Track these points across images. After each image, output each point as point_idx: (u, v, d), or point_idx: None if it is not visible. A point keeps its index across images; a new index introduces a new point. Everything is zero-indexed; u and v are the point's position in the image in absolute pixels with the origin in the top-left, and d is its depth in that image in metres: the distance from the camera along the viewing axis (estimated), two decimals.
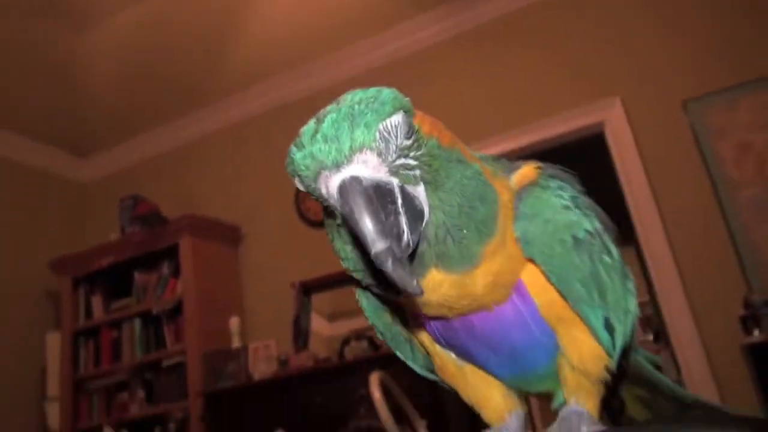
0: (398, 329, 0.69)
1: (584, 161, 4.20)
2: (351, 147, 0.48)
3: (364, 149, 0.49)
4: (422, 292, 0.48)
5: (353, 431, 3.05)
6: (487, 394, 0.66)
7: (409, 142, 0.51)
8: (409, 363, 0.72)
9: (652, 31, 3.47)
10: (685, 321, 3.10)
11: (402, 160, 0.50)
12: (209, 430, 3.56)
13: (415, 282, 0.46)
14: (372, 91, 0.53)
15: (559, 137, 3.66)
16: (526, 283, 0.58)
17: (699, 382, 3.02)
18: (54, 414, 4.13)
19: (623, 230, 3.39)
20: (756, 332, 2.76)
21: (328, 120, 0.50)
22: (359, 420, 3.05)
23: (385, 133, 0.50)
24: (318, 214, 3.94)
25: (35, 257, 4.38)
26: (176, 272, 4.02)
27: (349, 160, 0.48)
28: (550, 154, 3.74)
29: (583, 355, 0.60)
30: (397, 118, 0.51)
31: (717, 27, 3.30)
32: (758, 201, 3.04)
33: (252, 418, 3.41)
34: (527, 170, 0.62)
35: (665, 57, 3.39)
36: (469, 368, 0.66)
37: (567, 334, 0.60)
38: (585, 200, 0.62)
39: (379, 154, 0.49)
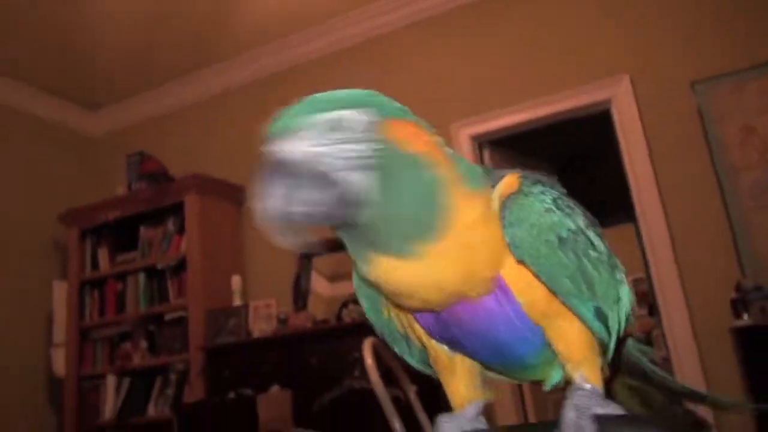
0: (395, 326, 0.74)
1: (590, 137, 4.22)
2: (291, 126, 0.58)
3: (300, 130, 0.58)
4: (290, 244, 0.59)
5: (347, 391, 3.16)
6: (456, 383, 0.72)
7: (353, 135, 0.58)
8: (406, 358, 0.77)
9: (664, 11, 3.43)
10: (677, 299, 3.16)
11: (339, 147, 0.58)
12: (209, 383, 3.68)
13: (283, 237, 0.57)
14: (344, 91, 0.62)
15: (567, 112, 3.67)
16: (510, 283, 0.62)
17: (685, 359, 3.09)
18: (59, 360, 4.27)
19: (623, 207, 3.42)
20: (745, 316, 2.81)
21: (295, 105, 0.60)
22: (353, 381, 3.15)
23: (325, 123, 0.58)
24: None
25: (45, 208, 4.46)
26: (181, 229, 4.09)
27: (287, 136, 0.58)
28: (557, 127, 3.78)
29: (569, 344, 0.64)
30: (347, 113, 0.59)
31: (729, 8, 3.26)
32: (758, 187, 3.06)
33: (250, 374, 3.52)
34: (510, 179, 0.66)
35: (676, 37, 3.36)
36: (459, 358, 0.71)
37: (552, 327, 0.64)
38: (567, 201, 0.65)
39: (311, 138, 0.58)
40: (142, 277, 4.23)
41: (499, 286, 0.62)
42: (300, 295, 3.87)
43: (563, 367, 0.66)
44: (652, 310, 6.70)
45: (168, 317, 4.09)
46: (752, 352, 2.74)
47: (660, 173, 3.30)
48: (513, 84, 3.73)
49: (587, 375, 0.64)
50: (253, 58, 4.45)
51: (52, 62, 4.34)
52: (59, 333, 4.32)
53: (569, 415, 0.57)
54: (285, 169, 0.58)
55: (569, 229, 0.62)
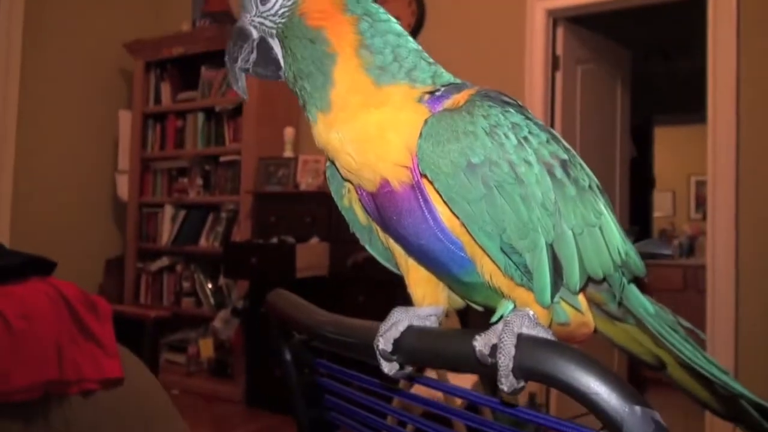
0: (356, 216, 0.76)
1: (677, 26, 3.86)
2: (240, 5, 0.72)
3: (247, 4, 0.71)
4: (245, 95, 0.73)
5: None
6: (413, 285, 0.73)
7: (265, 8, 0.69)
8: (368, 248, 0.78)
9: None
10: (727, 207, 3.03)
11: (261, 20, 0.70)
12: (255, 226, 3.91)
13: (239, 84, 0.72)
14: None
15: None
16: (427, 187, 0.62)
17: (720, 268, 3.05)
18: (123, 185, 4.58)
19: (699, 105, 3.19)
20: None
21: None
22: None
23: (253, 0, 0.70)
24: None
25: (113, 37, 4.54)
26: None
27: (241, 8, 0.72)
28: (642, 11, 3.47)
29: (490, 270, 0.64)
30: None
31: None
32: None
33: (293, 223, 3.71)
34: (462, 95, 0.64)
35: None
36: (411, 263, 0.72)
37: (470, 245, 0.63)
38: (522, 131, 0.61)
39: (246, 12, 0.71)
40: (201, 116, 4.36)
41: (416, 183, 0.63)
42: None
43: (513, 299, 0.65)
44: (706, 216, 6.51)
45: (223, 159, 4.27)
46: None
47: (744, 79, 3.05)
48: None
49: (527, 302, 0.63)
50: None
51: None
52: (123, 160, 4.58)
53: (498, 326, 0.58)
54: (239, 35, 0.71)
55: (488, 158, 0.58)
